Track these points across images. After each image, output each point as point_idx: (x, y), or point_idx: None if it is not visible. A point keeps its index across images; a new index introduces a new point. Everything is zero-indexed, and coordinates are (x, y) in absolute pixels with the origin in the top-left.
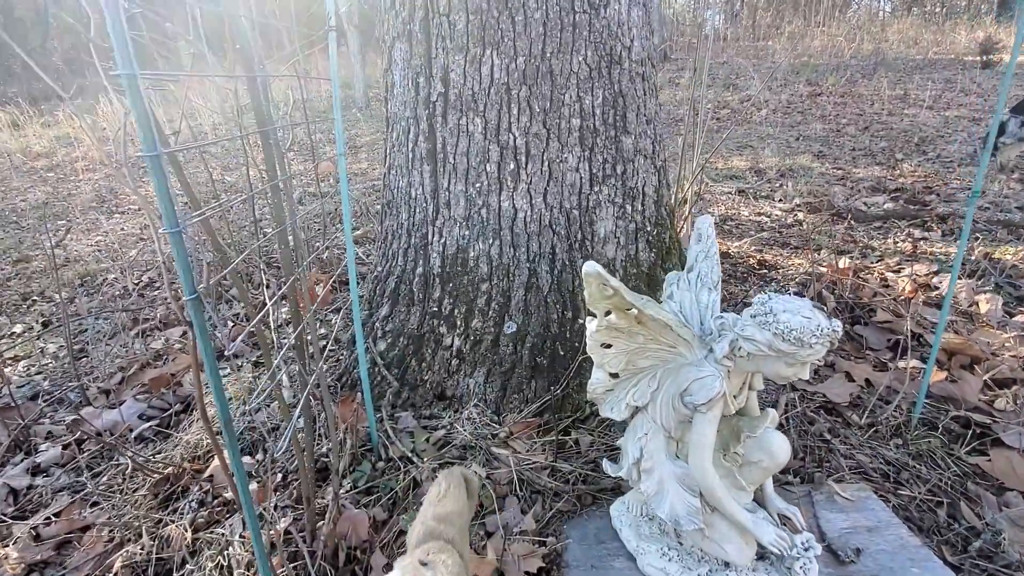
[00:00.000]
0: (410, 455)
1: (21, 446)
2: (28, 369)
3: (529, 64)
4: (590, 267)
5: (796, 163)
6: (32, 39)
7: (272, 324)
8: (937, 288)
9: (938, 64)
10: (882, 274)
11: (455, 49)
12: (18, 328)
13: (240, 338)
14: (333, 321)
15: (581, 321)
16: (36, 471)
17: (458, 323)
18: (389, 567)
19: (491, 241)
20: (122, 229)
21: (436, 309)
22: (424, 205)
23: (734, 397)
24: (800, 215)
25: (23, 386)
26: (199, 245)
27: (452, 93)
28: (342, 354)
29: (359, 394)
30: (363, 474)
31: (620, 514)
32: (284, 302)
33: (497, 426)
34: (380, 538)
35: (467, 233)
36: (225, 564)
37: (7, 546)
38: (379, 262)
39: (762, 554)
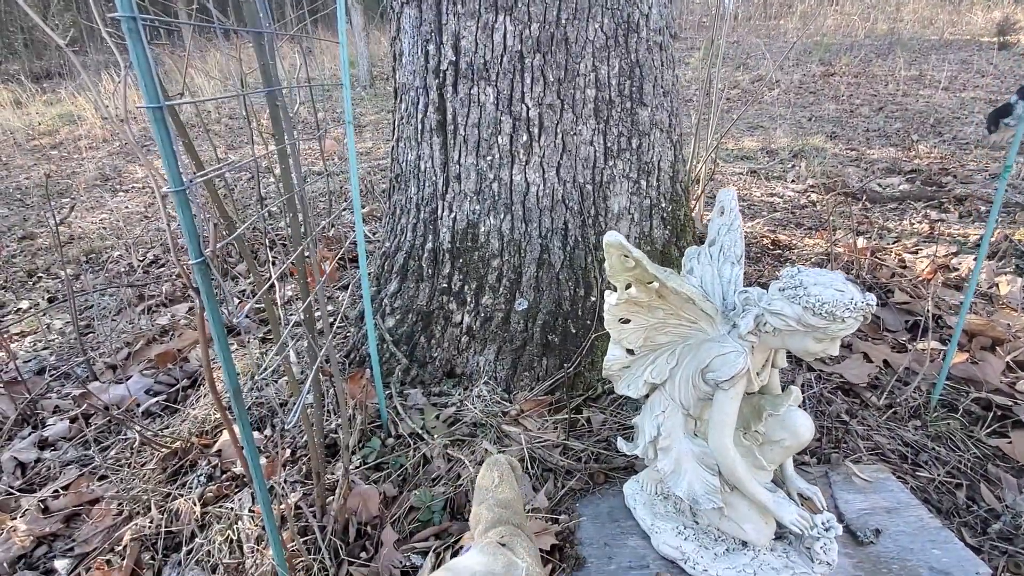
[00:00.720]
0: (420, 432)
1: (28, 420)
2: (34, 345)
3: (543, 31)
4: (612, 237)
5: (809, 144)
6: (31, 14)
7: (278, 301)
8: (956, 269)
9: (954, 44)
10: (900, 255)
11: (467, 14)
12: (24, 304)
13: (249, 307)
14: (340, 298)
15: (594, 299)
16: (44, 445)
17: (468, 300)
18: (400, 542)
19: (502, 216)
20: (126, 207)
21: (446, 285)
22: (433, 179)
23: (757, 374)
24: (813, 196)
25: (29, 361)
26: (206, 213)
27: (463, 61)
28: (350, 331)
29: (368, 370)
30: (372, 450)
31: (634, 492)
32: (291, 279)
33: (507, 404)
34: (391, 514)
35: (478, 208)
36: (235, 538)
37: (15, 518)
38: (387, 237)
39: (780, 534)
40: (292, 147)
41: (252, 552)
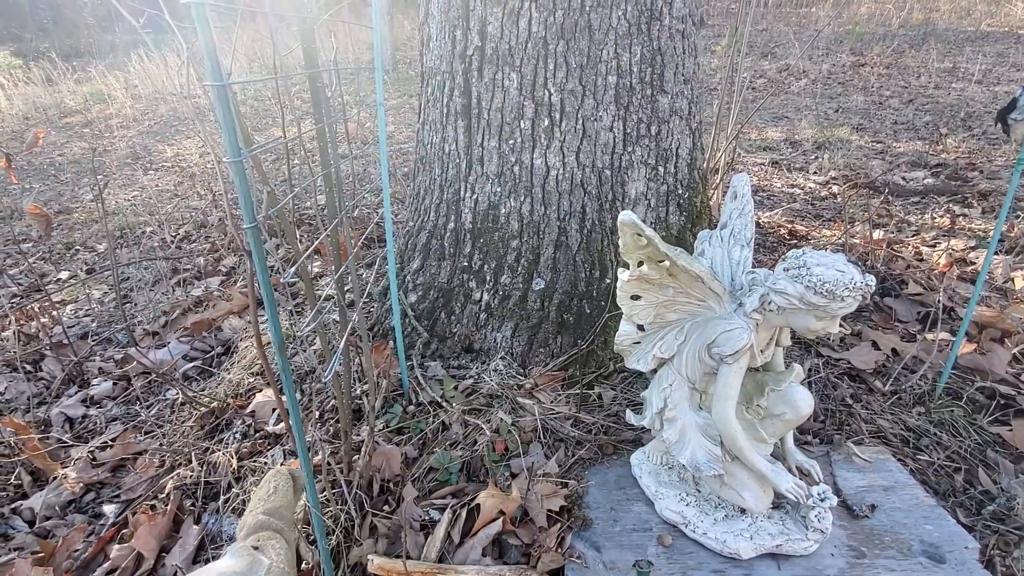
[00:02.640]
0: (439, 400)
1: (75, 380)
2: (76, 312)
3: (568, 18)
4: (626, 216)
5: (834, 135)
6: None
7: (306, 276)
8: (973, 263)
9: (991, 37)
10: (917, 248)
11: (494, 1)
12: (64, 275)
13: (294, 268)
14: (364, 276)
15: (608, 281)
16: (90, 403)
17: (487, 278)
18: (419, 499)
19: (522, 198)
20: (156, 185)
21: (466, 264)
22: (457, 161)
23: (761, 352)
24: (835, 188)
25: (72, 327)
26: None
27: (489, 47)
28: (373, 306)
29: (391, 343)
30: (395, 415)
31: (640, 462)
32: (317, 256)
33: (523, 378)
34: (411, 473)
35: (499, 190)
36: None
37: (66, 467)
38: (411, 217)
39: (778, 503)
40: (330, 127)
41: None
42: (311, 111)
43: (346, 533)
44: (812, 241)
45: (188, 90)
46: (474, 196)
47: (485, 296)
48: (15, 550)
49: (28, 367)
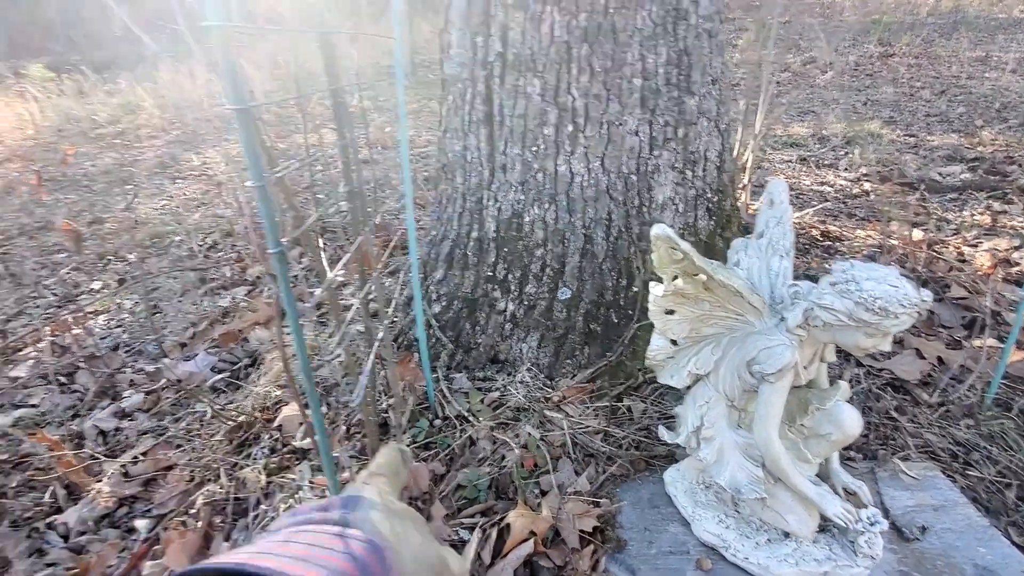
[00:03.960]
0: (466, 414)
1: (107, 392)
2: (108, 323)
3: (591, 20)
4: (659, 229)
5: (864, 130)
6: (90, 7)
7: (332, 293)
8: (1018, 264)
9: None
10: (958, 248)
11: (515, 6)
12: (96, 285)
13: (322, 290)
14: (387, 284)
15: (636, 289)
16: (121, 415)
17: (512, 288)
18: (448, 517)
19: (547, 206)
20: (184, 194)
21: (490, 273)
22: (479, 169)
23: (804, 368)
24: (867, 185)
25: (105, 338)
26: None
27: (511, 53)
28: (396, 316)
29: (415, 354)
30: (421, 430)
31: (674, 480)
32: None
33: (550, 390)
34: (439, 490)
35: (522, 198)
36: (296, 507)
37: (100, 480)
38: (433, 226)
39: (824, 527)
40: (352, 141)
41: None
42: (332, 117)
43: None
44: (846, 242)
45: (210, 107)
46: (497, 204)
47: (510, 306)
48: (50, 566)
49: (62, 379)
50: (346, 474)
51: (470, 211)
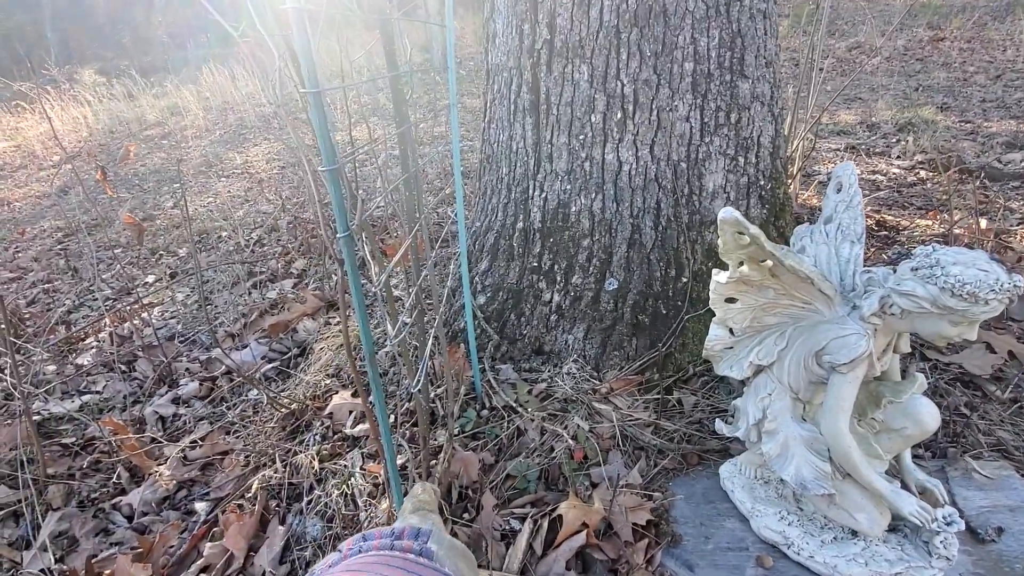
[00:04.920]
0: (514, 405)
1: (165, 380)
2: (163, 314)
3: (641, 4)
4: (727, 213)
5: (916, 116)
6: (137, 13)
7: (374, 277)
8: None
9: None
10: None
11: None
12: (150, 278)
13: (386, 274)
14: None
15: (685, 279)
16: (179, 402)
17: (558, 279)
18: (498, 507)
19: (594, 195)
20: (228, 191)
21: (536, 264)
22: (525, 159)
23: (878, 359)
24: (923, 173)
25: (160, 328)
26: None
27: (558, 39)
28: (442, 307)
29: (461, 345)
30: (469, 420)
31: (731, 475)
32: (386, 257)
33: (597, 382)
34: (489, 480)
35: (569, 187)
36: (348, 493)
37: (161, 464)
38: (478, 217)
39: (894, 526)
40: (409, 129)
41: (366, 506)
42: (374, 112)
43: None
44: (904, 232)
45: (281, 97)
46: (543, 194)
47: (556, 297)
48: (115, 544)
49: (123, 367)
50: (400, 460)
51: (515, 201)
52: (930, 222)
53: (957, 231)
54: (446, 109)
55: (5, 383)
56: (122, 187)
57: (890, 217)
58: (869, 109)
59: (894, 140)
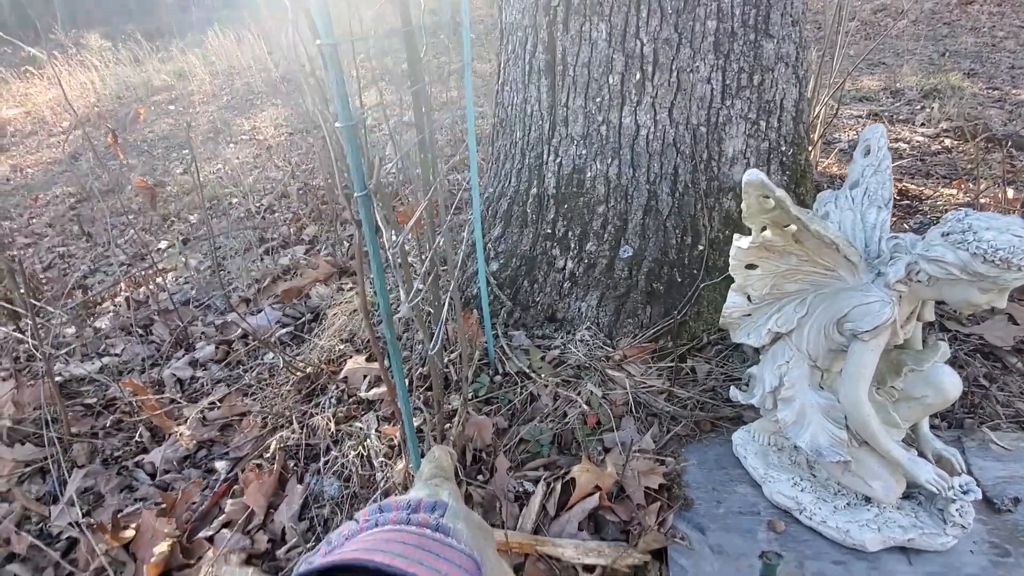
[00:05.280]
0: (527, 371)
1: (181, 344)
2: (176, 279)
3: None
4: (752, 175)
5: (942, 82)
6: None
7: (386, 243)
8: None
9: None
10: None
11: None
12: (163, 244)
13: (402, 237)
14: (442, 244)
15: (701, 247)
16: (196, 365)
17: (571, 245)
18: (512, 470)
19: (610, 160)
20: (237, 158)
21: (549, 231)
22: (540, 122)
23: (901, 327)
24: (947, 141)
25: (175, 294)
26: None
27: None
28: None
29: (475, 311)
30: (482, 385)
31: (744, 442)
32: (399, 225)
33: (610, 349)
34: (502, 443)
35: (584, 152)
36: (364, 454)
37: (181, 424)
38: (491, 183)
39: (908, 494)
40: (424, 88)
41: (382, 467)
42: (382, 76)
43: None
44: (928, 201)
45: (295, 52)
46: (558, 159)
47: (569, 264)
48: (139, 500)
49: (140, 331)
50: (416, 422)
51: (529, 167)
52: (955, 191)
53: (983, 201)
54: (456, 73)
55: (26, 345)
56: (131, 153)
57: (913, 186)
58: (893, 75)
59: (918, 107)
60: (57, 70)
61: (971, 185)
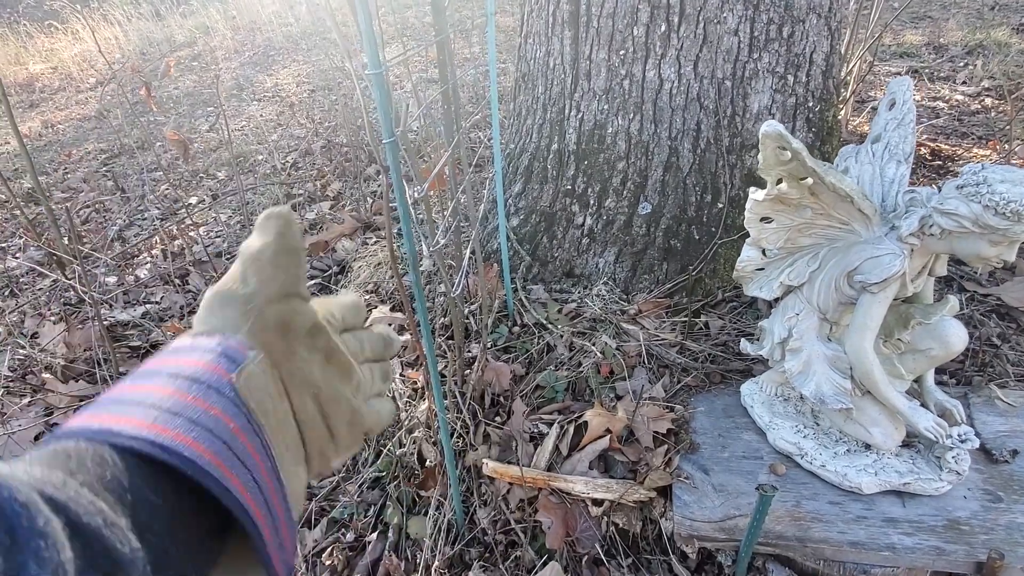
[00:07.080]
0: (545, 322)
1: None
2: (208, 233)
3: None
4: (770, 126)
5: (988, 38)
6: None
7: (409, 199)
8: None
9: None
10: None
11: None
12: (193, 200)
13: (426, 184)
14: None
15: (721, 205)
16: None
17: (591, 202)
18: (528, 413)
19: (632, 116)
20: (260, 115)
21: (569, 187)
22: (562, 76)
23: (912, 281)
24: (988, 100)
25: (208, 246)
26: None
27: None
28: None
29: (495, 265)
30: (501, 335)
31: (751, 393)
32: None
33: (626, 304)
34: (519, 389)
35: (606, 107)
36: (389, 395)
37: None
38: (512, 139)
39: (908, 442)
40: (448, 40)
41: (405, 407)
42: (402, 32)
43: (460, 439)
44: (960, 162)
45: (278, 28)
46: (579, 115)
47: (588, 220)
48: None
49: (177, 281)
50: (439, 367)
51: (551, 122)
52: (988, 152)
53: (1014, 162)
54: (477, 28)
55: (71, 293)
56: (157, 111)
57: (946, 147)
58: (938, 29)
59: (961, 64)
60: (85, 24)
61: (1005, 146)
